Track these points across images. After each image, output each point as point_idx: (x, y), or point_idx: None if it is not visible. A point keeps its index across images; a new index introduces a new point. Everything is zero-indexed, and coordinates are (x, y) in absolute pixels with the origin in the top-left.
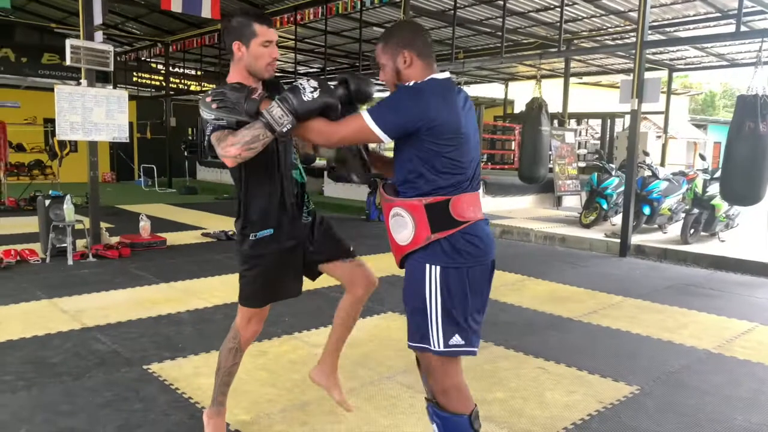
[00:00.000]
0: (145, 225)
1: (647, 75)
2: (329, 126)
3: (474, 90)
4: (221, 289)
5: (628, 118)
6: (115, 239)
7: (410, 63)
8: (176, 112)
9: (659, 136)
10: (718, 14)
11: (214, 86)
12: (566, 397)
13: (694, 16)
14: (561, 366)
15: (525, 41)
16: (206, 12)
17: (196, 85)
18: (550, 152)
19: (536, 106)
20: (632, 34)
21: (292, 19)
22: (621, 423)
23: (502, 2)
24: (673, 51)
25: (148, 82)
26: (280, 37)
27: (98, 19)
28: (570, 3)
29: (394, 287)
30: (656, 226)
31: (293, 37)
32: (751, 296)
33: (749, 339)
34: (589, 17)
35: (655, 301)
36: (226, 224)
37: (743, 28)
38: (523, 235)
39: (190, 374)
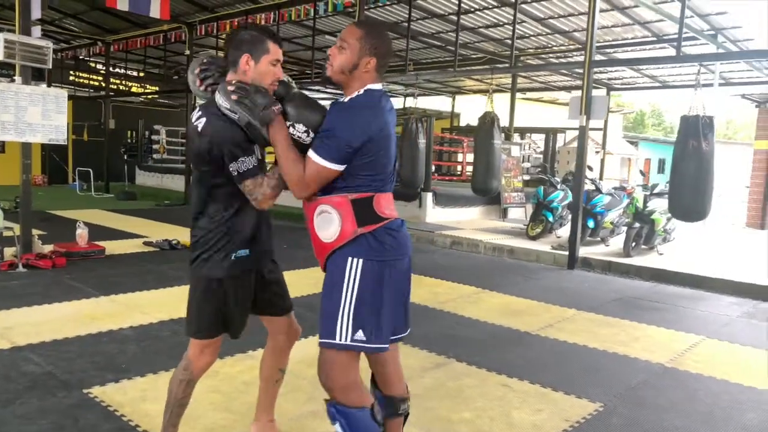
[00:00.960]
0: (82, 233)
1: (596, 93)
2: (301, 180)
3: (422, 102)
4: (167, 302)
5: (569, 133)
6: (48, 248)
7: (369, 69)
8: (115, 113)
9: (598, 152)
10: (654, 38)
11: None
12: (533, 416)
13: (632, 39)
14: (525, 383)
15: (474, 56)
16: (155, 12)
17: (137, 87)
18: None
19: (489, 119)
20: (576, 53)
21: (243, 22)
22: None
23: (455, 17)
24: (611, 71)
25: (87, 81)
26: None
27: (36, 13)
28: (519, 21)
29: None
30: (599, 239)
31: None
32: (695, 309)
33: (698, 352)
34: (536, 35)
35: (607, 314)
36: (170, 232)
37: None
38: (473, 247)
39: (137, 398)
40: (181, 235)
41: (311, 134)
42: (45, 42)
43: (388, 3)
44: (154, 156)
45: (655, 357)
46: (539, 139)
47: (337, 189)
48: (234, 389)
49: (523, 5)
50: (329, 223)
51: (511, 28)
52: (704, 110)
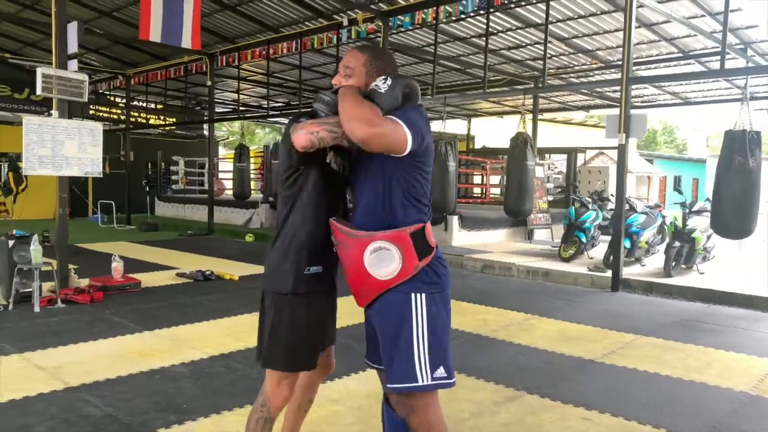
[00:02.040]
0: (117, 266)
1: (612, 112)
2: (376, 120)
3: (436, 125)
4: (212, 336)
5: (588, 153)
6: (84, 282)
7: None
8: (134, 146)
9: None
10: (680, 54)
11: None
12: None
13: (657, 55)
14: (607, 416)
15: (494, 78)
16: (186, 43)
17: (155, 119)
18: None
19: (522, 140)
20: (597, 71)
21: (264, 53)
22: None
23: (476, 40)
24: (633, 89)
25: (106, 115)
26: (248, 71)
27: (73, 47)
28: (541, 41)
29: None
30: (634, 258)
31: (263, 71)
32: (757, 331)
33: None
34: (558, 55)
35: (668, 338)
36: (200, 263)
37: (726, 65)
38: (506, 270)
39: None
40: (211, 265)
41: (388, 81)
42: (82, 75)
43: (411, 28)
44: (173, 187)
45: (736, 384)
46: (557, 159)
47: (391, 224)
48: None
49: (549, 26)
50: (389, 260)
51: (532, 48)
52: (751, 125)
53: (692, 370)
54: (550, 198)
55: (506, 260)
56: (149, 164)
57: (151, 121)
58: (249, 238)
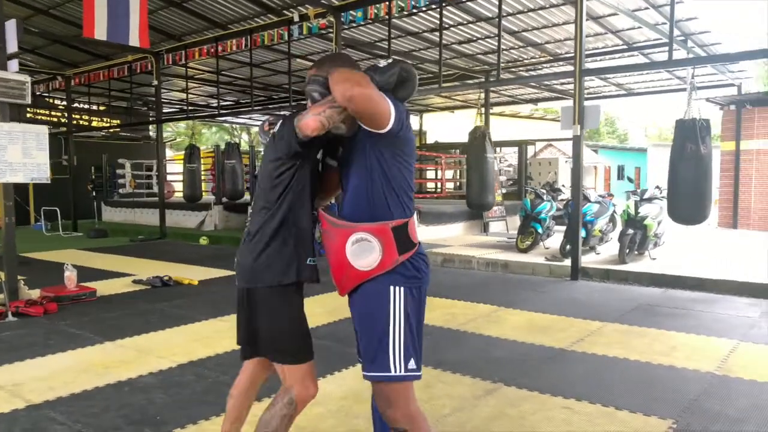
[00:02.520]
0: (70, 275)
1: (561, 104)
2: (365, 84)
3: None
4: (179, 344)
5: (538, 145)
6: (35, 293)
7: None
8: (76, 149)
9: (567, 161)
10: (625, 47)
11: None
12: None
13: (603, 48)
14: (585, 403)
15: (446, 72)
16: (134, 41)
17: (99, 121)
18: None
19: (480, 134)
20: (546, 64)
21: (212, 50)
22: None
23: (429, 35)
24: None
25: (45, 118)
26: (195, 69)
27: (12, 45)
28: (491, 35)
29: None
30: (589, 247)
31: (212, 69)
32: (713, 313)
33: (741, 357)
34: (508, 49)
35: (632, 324)
36: (156, 268)
37: (675, 55)
38: (466, 263)
39: None
40: (168, 270)
41: (389, 60)
42: (23, 76)
43: (363, 23)
44: (120, 191)
45: (702, 366)
46: (507, 152)
47: (376, 215)
48: None
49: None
50: (368, 252)
51: (483, 43)
52: (700, 114)
53: (659, 354)
54: (504, 191)
55: (465, 253)
56: (93, 168)
57: (95, 123)
58: (203, 241)
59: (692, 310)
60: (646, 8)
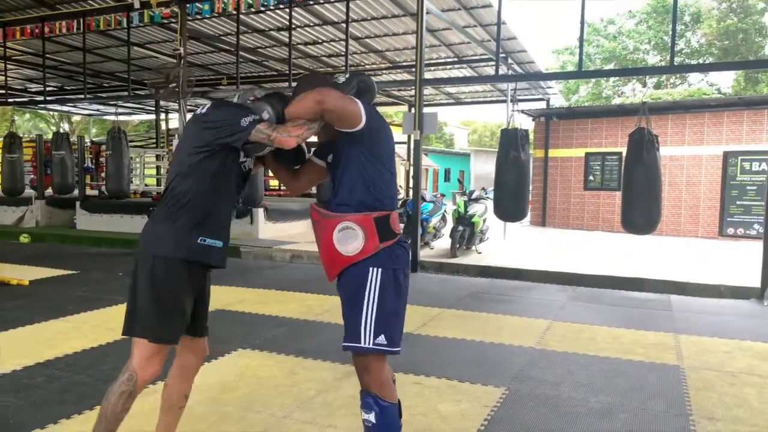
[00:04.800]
0: None
1: (395, 109)
2: (332, 92)
3: None
4: (21, 346)
5: None
6: None
7: None
8: None
9: (403, 163)
10: (456, 59)
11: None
12: (456, 406)
13: (437, 58)
14: (433, 378)
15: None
16: None
17: None
18: None
19: None
20: (386, 71)
21: (37, 31)
22: (514, 422)
23: (275, 33)
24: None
25: None
26: (14, 50)
27: None
28: (336, 39)
29: (236, 324)
30: (424, 243)
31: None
32: (531, 298)
33: (554, 333)
34: (351, 53)
35: (467, 309)
36: None
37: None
38: (314, 259)
39: None
40: None
41: (346, 75)
42: None
43: (208, 16)
44: None
45: (525, 342)
46: None
47: (360, 208)
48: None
49: (344, 24)
50: (353, 239)
51: (329, 45)
52: (520, 124)
53: (490, 334)
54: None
55: (314, 249)
56: None
57: None
58: (24, 238)
59: (514, 296)
60: (475, 26)
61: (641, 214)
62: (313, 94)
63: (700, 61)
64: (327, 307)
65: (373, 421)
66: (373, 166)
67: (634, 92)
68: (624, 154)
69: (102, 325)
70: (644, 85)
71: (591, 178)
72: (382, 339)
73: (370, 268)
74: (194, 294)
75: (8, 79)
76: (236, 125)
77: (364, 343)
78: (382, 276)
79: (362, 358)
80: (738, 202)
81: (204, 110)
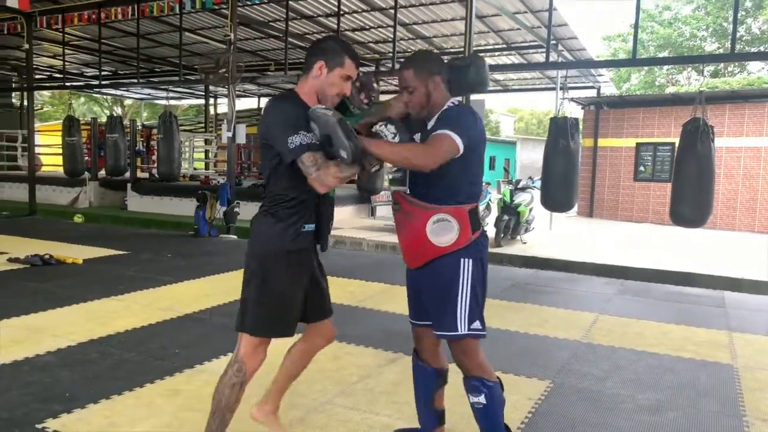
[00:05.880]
0: None
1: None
2: (428, 149)
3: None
4: (74, 323)
5: None
6: None
7: (436, 87)
8: None
9: None
10: (504, 45)
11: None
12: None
13: (485, 45)
14: None
15: None
16: (12, 1)
17: None
18: None
19: None
20: None
21: (93, 16)
22: (559, 415)
23: (329, 21)
24: None
25: None
26: (71, 35)
27: None
28: (384, 25)
29: None
30: None
31: (89, 36)
32: (576, 290)
33: (601, 327)
34: (399, 40)
35: (510, 300)
36: (31, 247)
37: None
38: (356, 245)
39: (105, 426)
40: (44, 248)
41: (398, 137)
42: None
43: (258, 2)
44: None
45: (570, 335)
46: None
47: (452, 200)
48: (207, 405)
49: (392, 10)
50: (448, 231)
51: (376, 32)
52: (571, 113)
53: (534, 326)
54: (390, 176)
55: (356, 236)
56: None
57: None
58: (78, 219)
59: (559, 288)
60: (525, 12)
61: (691, 206)
62: (418, 157)
63: (761, 48)
64: (369, 294)
65: (484, 402)
66: (464, 159)
67: (690, 81)
68: (677, 145)
69: (151, 304)
70: (701, 73)
71: (642, 168)
72: (477, 324)
73: (462, 259)
74: (304, 282)
75: (66, 63)
76: (283, 144)
77: (461, 330)
78: (473, 266)
79: (460, 345)
80: None
81: (266, 105)
